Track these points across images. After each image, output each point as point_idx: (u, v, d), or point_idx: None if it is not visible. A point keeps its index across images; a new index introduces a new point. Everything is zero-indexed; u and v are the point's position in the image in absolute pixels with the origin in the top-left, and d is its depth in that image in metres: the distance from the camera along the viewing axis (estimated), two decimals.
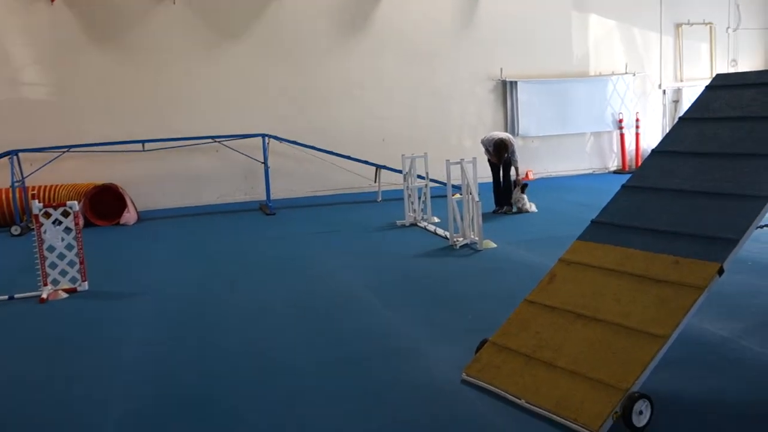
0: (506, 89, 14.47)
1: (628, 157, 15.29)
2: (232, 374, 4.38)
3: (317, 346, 4.85)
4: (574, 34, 14.86)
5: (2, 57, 12.05)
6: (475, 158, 7.96)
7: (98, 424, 3.76)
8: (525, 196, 10.19)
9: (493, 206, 10.33)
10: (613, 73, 15.12)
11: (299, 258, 7.93)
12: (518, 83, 14.35)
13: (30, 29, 12.11)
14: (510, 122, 14.51)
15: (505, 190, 10.28)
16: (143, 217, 11.83)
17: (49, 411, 3.97)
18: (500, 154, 10.07)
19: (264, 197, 12.45)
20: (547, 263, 6.51)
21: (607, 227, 4.39)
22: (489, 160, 10.39)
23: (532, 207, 10.23)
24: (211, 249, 8.86)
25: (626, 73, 15.19)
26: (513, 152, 10.19)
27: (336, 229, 9.78)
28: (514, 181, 10.27)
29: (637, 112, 15.24)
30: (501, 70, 14.40)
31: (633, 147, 15.27)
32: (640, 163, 14.61)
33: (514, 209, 10.18)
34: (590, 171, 15.31)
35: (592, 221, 4.51)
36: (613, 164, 15.52)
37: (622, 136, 15.25)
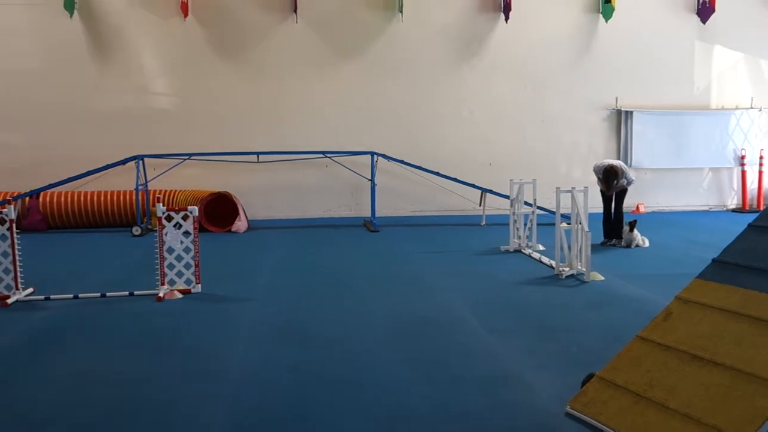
0: (621, 118, 14.09)
1: (749, 196, 14.48)
2: (332, 386, 4.44)
3: (417, 364, 4.86)
4: (697, 65, 14.29)
5: (136, 67, 12.95)
6: (586, 187, 7.78)
7: (206, 423, 3.92)
8: (636, 233, 9.78)
9: (601, 238, 10.03)
10: (737, 107, 14.42)
11: (402, 276, 8.00)
12: (634, 113, 13.94)
13: (163, 42, 12.97)
14: (623, 152, 14.10)
15: (616, 222, 9.94)
16: (253, 225, 12.30)
17: (159, 406, 4.17)
18: (609, 181, 9.74)
19: (368, 214, 12.66)
20: (657, 300, 6.32)
21: (730, 267, 4.17)
22: (600, 189, 10.09)
23: (645, 242, 9.84)
24: (316, 261, 9.08)
25: (752, 107, 14.44)
26: (627, 181, 9.85)
27: (440, 250, 9.79)
28: (630, 223, 9.84)
29: (762, 149, 14.42)
30: (616, 99, 14.04)
31: (755, 185, 14.46)
32: (763, 203, 13.95)
33: (623, 243, 9.82)
34: (706, 208, 14.60)
35: (714, 260, 4.30)
36: (732, 202, 14.74)
37: (743, 173, 14.47)
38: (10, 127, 12.74)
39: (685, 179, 14.52)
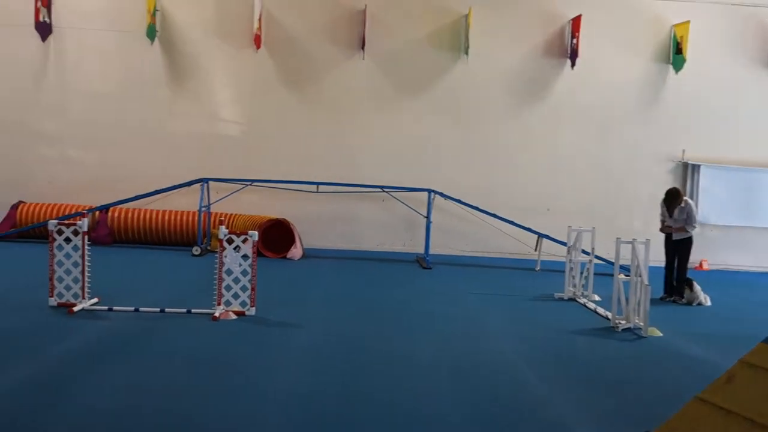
0: (687, 171, 13.80)
1: None
2: (376, 421, 4.44)
3: (465, 406, 4.81)
4: None
5: (207, 94, 13.43)
6: (648, 240, 7.63)
7: None
8: (697, 290, 9.48)
9: (660, 292, 9.77)
10: None
11: (452, 316, 7.96)
12: (701, 167, 13.64)
13: (235, 71, 13.44)
14: None
15: (679, 278, 9.69)
16: (307, 253, 12.46)
17: (208, 421, 4.25)
18: (671, 202, 9.67)
19: (422, 250, 12.68)
20: (718, 361, 6.11)
21: None
22: (664, 234, 9.86)
23: (707, 300, 9.53)
24: (367, 294, 9.13)
25: None
26: (691, 221, 9.64)
27: (492, 293, 9.72)
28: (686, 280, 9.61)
29: None
30: (683, 151, 13.79)
31: None
32: None
33: (684, 301, 9.53)
34: None
35: None
36: None
37: None
38: (86, 144, 13.32)
39: (754, 238, 14.06)
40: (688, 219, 9.67)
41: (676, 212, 9.69)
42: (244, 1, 13.07)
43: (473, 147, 13.68)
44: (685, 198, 9.79)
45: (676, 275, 9.73)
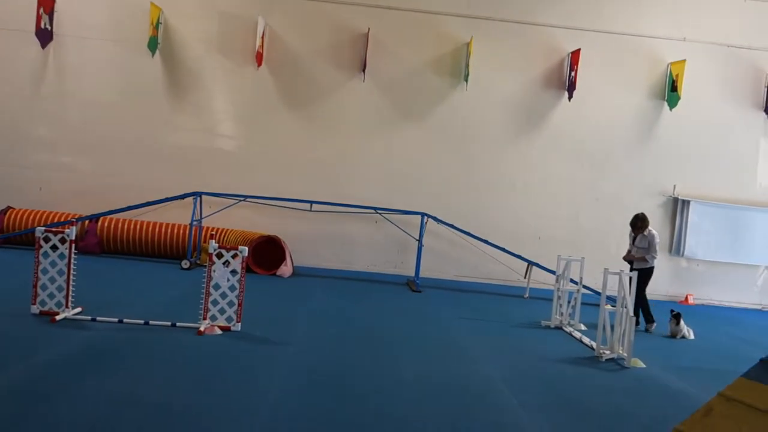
0: (677, 207, 13.91)
1: None
2: None
3: (446, 428, 4.80)
4: (762, 162, 14.08)
5: (205, 108, 13.50)
6: (636, 271, 7.67)
7: None
8: (683, 324, 9.54)
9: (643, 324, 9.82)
10: None
11: (439, 339, 7.96)
12: (691, 202, 13.76)
13: (234, 87, 13.52)
14: (676, 241, 13.89)
15: (637, 305, 9.65)
16: (298, 271, 12.45)
17: None
18: (636, 227, 9.80)
19: (412, 273, 12.69)
20: (698, 394, 6.14)
21: None
22: (627, 260, 9.96)
23: (690, 334, 9.58)
24: (356, 314, 9.12)
25: None
26: (652, 243, 9.75)
27: (480, 318, 9.73)
28: (674, 315, 9.64)
29: None
30: (674, 186, 13.91)
31: None
32: None
33: (669, 334, 9.57)
34: (759, 307, 14.15)
35: (762, 360, 4.19)
36: None
37: None
38: (81, 151, 13.33)
39: (739, 275, 14.15)
40: (649, 248, 9.79)
41: (638, 239, 9.80)
42: (247, 18, 13.21)
43: (468, 173, 13.77)
44: (649, 228, 9.91)
45: (635, 304, 9.75)
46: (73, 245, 7.17)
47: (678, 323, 9.50)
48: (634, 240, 9.99)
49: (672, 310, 9.77)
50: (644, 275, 9.67)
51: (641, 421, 5.39)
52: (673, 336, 9.50)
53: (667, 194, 13.97)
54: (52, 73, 13.31)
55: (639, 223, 9.88)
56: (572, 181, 13.84)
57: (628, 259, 10.04)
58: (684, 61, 13.30)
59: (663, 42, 13.77)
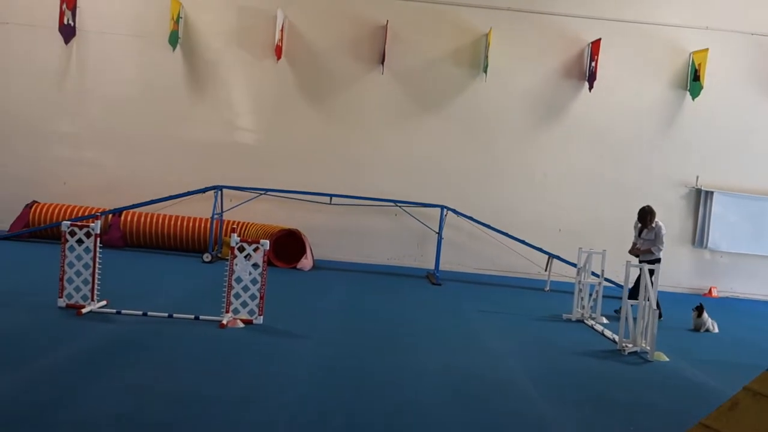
0: (700, 198, 13.76)
1: None
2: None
3: (467, 426, 4.81)
4: None
5: (225, 102, 13.56)
6: (658, 264, 7.60)
7: None
8: (706, 317, 9.43)
9: (671, 319, 9.73)
10: None
11: (460, 332, 7.96)
12: (714, 193, 13.59)
13: (254, 81, 13.56)
14: (699, 233, 13.74)
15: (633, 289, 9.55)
16: (318, 265, 12.50)
17: (214, 428, 4.27)
18: (644, 220, 9.72)
19: (432, 266, 12.69)
20: (723, 389, 6.09)
21: None
22: (631, 251, 9.91)
23: (714, 327, 9.48)
24: (376, 308, 9.14)
25: None
26: (658, 235, 9.70)
27: (500, 311, 9.72)
28: (697, 308, 9.53)
29: None
30: (697, 177, 13.75)
31: None
32: None
33: (692, 327, 9.45)
34: None
35: None
36: None
37: None
38: (103, 146, 13.47)
39: (764, 267, 13.96)
40: (656, 240, 9.72)
41: (644, 232, 9.73)
42: (267, 11, 13.23)
43: (488, 164, 13.71)
44: (656, 220, 9.84)
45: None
46: (98, 239, 7.26)
47: (700, 315, 9.41)
48: (640, 233, 9.91)
49: (699, 304, 9.65)
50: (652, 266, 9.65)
51: (665, 415, 5.36)
52: (696, 329, 9.41)
53: (690, 185, 13.81)
54: (75, 69, 13.45)
55: (648, 216, 9.79)
56: (593, 173, 13.73)
57: (634, 252, 9.95)
58: (707, 50, 13.11)
59: (685, 30, 13.59)
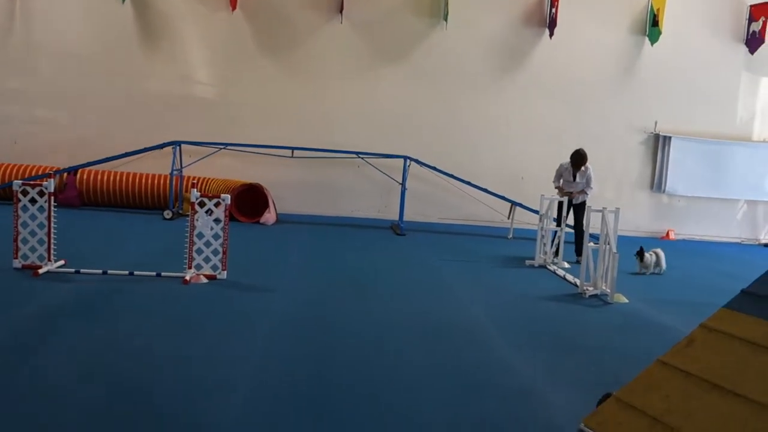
0: (658, 143, 13.95)
1: None
2: (348, 387, 4.46)
3: (435, 371, 4.87)
4: (742, 96, 14.10)
5: (180, 56, 13.18)
6: (618, 209, 7.71)
7: (221, 410, 3.98)
8: (648, 259, 9.52)
9: (629, 261, 9.91)
10: None
11: (425, 281, 8.02)
12: (672, 139, 13.81)
13: (209, 33, 13.18)
14: (657, 177, 13.98)
15: (578, 237, 9.81)
16: (281, 219, 12.41)
17: (175, 387, 4.23)
18: (577, 163, 9.90)
19: (396, 217, 12.71)
20: (679, 327, 6.26)
21: (760, 300, 4.12)
22: (560, 196, 10.06)
23: (661, 263, 9.58)
24: (341, 259, 9.14)
25: None
26: (590, 178, 9.97)
27: (464, 259, 9.80)
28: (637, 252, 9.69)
29: None
30: (655, 123, 13.92)
31: None
32: None
33: (640, 270, 9.60)
34: (738, 240, 14.39)
35: (743, 291, 4.24)
36: (766, 237, 14.48)
37: None
38: (56, 105, 13.03)
39: (719, 210, 14.33)
40: (588, 182, 9.95)
41: (578, 176, 9.86)
42: None
43: (450, 114, 13.66)
44: (586, 156, 10.01)
45: (575, 235, 9.98)
46: (53, 198, 7.06)
47: (642, 259, 9.55)
48: (574, 176, 10.01)
49: (640, 248, 9.74)
50: (584, 208, 9.80)
51: (626, 354, 5.50)
52: (643, 273, 9.53)
53: (649, 131, 13.98)
54: (20, 23, 12.88)
55: (582, 159, 9.91)
56: (554, 120, 13.79)
57: (568, 195, 10.02)
58: None
59: None
